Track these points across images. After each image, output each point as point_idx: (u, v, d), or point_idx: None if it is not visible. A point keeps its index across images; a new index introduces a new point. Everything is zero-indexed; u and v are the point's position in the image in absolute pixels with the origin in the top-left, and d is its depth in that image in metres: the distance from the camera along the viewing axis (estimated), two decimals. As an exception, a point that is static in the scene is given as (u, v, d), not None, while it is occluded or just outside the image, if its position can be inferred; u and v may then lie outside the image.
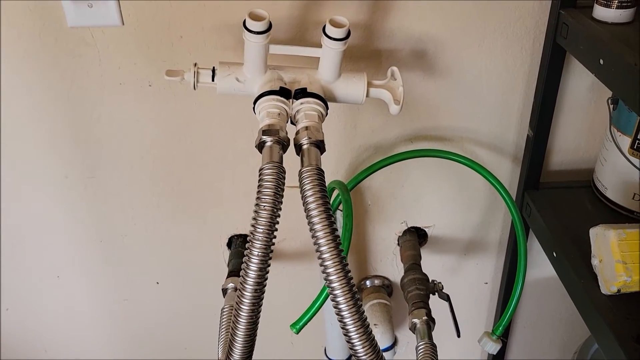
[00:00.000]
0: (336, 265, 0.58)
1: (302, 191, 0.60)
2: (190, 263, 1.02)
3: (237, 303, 0.60)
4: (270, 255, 0.60)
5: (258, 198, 0.60)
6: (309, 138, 0.64)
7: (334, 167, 0.91)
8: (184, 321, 1.09)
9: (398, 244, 1.00)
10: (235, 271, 0.93)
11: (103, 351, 1.13)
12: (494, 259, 1.04)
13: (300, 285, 1.04)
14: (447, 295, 0.86)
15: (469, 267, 1.05)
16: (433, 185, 0.95)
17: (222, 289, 0.91)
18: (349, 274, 0.59)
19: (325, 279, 0.59)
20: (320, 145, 0.65)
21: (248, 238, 0.60)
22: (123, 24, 0.78)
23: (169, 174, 0.91)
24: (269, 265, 0.60)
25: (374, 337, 0.59)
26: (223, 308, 0.87)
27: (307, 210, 0.59)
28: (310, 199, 0.59)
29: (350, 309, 0.58)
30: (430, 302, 0.88)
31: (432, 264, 1.03)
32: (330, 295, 0.59)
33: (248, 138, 0.88)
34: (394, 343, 0.98)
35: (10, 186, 0.91)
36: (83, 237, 0.97)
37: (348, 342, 0.59)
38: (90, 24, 0.78)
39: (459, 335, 0.82)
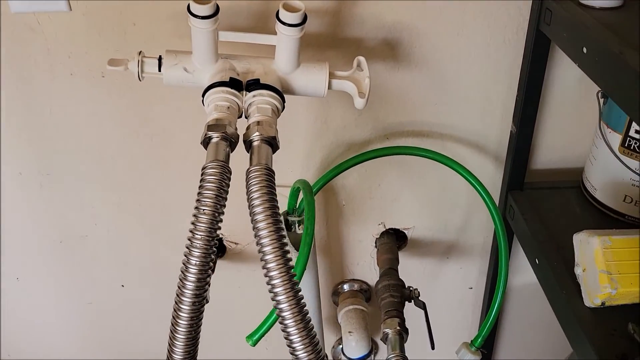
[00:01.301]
0: (281, 272, 0.52)
1: (248, 192, 0.54)
2: (155, 264, 0.96)
3: (175, 311, 0.55)
4: (212, 262, 0.55)
5: (198, 200, 0.54)
6: (260, 134, 0.58)
7: (303, 166, 0.85)
8: (153, 325, 1.04)
9: (375, 247, 0.94)
10: (199, 275, 0.87)
11: (70, 355, 1.08)
12: (478, 263, 0.98)
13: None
14: (423, 303, 0.81)
15: (452, 271, 0.99)
16: (412, 184, 0.89)
17: (184, 294, 0.85)
18: (297, 288, 0.53)
19: (271, 291, 0.53)
20: (272, 143, 0.59)
21: (186, 244, 0.54)
22: (70, 9, 0.72)
23: (130, 170, 0.86)
24: (210, 273, 0.55)
25: (325, 356, 0.54)
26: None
27: (252, 213, 0.53)
28: (256, 202, 0.53)
29: (298, 327, 0.52)
30: (406, 309, 0.82)
31: (412, 268, 0.97)
32: (278, 316, 0.53)
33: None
34: (371, 351, 0.93)
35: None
36: (41, 237, 0.92)
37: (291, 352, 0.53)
38: (35, 9, 0.71)
39: (433, 347, 0.76)
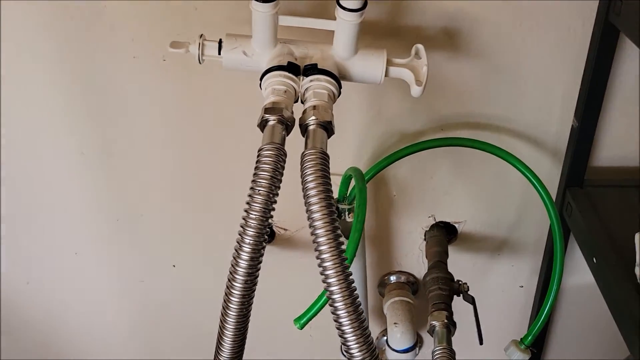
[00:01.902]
0: (333, 256, 0.52)
1: (303, 176, 0.55)
2: (207, 247, 0.98)
3: (226, 295, 0.56)
4: (264, 243, 0.55)
5: (253, 181, 0.55)
6: (316, 118, 0.58)
7: (355, 155, 0.85)
8: (200, 307, 1.06)
9: (424, 239, 0.93)
10: (248, 258, 0.89)
11: (118, 330, 1.11)
12: (531, 261, 0.95)
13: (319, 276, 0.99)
14: (472, 298, 0.79)
15: (503, 269, 0.97)
16: (465, 177, 0.87)
17: (233, 276, 0.87)
18: (349, 275, 0.53)
19: (322, 273, 0.53)
20: (328, 127, 0.59)
21: (241, 223, 0.55)
22: (137, -6, 0.74)
23: (186, 154, 0.88)
24: (262, 255, 0.55)
25: (375, 348, 0.53)
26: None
27: (306, 197, 0.54)
28: (311, 185, 0.54)
29: (348, 311, 0.53)
30: (454, 304, 0.81)
31: (461, 263, 0.95)
32: (329, 299, 0.53)
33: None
34: (416, 344, 0.92)
35: (28, 161, 0.90)
36: (100, 215, 0.96)
37: (343, 344, 0.53)
38: (103, -7, 0.74)
39: (481, 343, 0.75)
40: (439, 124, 0.82)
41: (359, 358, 0.53)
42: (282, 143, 0.57)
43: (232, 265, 0.55)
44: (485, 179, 0.87)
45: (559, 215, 0.77)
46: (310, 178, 0.54)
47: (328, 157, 0.56)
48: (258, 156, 0.56)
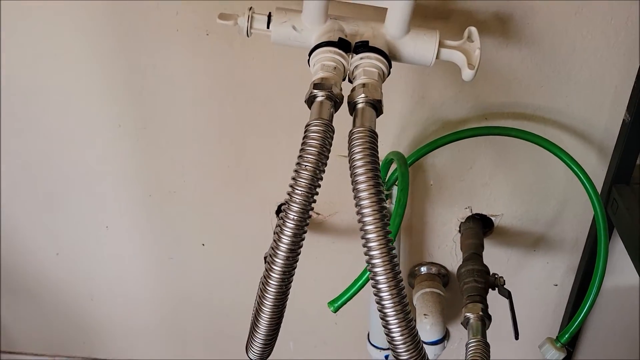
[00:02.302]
0: (380, 240, 0.51)
1: (350, 154, 0.53)
2: (237, 227, 0.98)
3: (265, 274, 0.55)
4: (307, 223, 0.54)
5: (300, 157, 0.54)
6: (366, 96, 0.57)
7: (396, 140, 0.83)
8: (227, 287, 1.06)
9: (459, 231, 0.91)
10: (280, 240, 0.88)
11: (146, 304, 1.12)
12: (567, 259, 0.93)
13: (350, 263, 0.98)
14: (509, 292, 0.77)
15: (538, 265, 0.94)
16: (506, 169, 0.85)
17: (264, 257, 0.86)
18: (395, 258, 0.52)
19: (367, 254, 0.52)
20: (377, 106, 0.57)
21: (285, 198, 0.54)
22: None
23: (221, 132, 0.87)
24: (304, 235, 0.54)
25: (417, 333, 0.52)
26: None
27: (353, 176, 0.52)
28: (359, 163, 0.52)
29: (393, 298, 0.51)
30: (488, 297, 0.79)
31: (496, 257, 0.93)
32: (372, 281, 0.52)
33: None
34: (444, 337, 0.90)
35: (64, 133, 0.90)
36: (132, 189, 0.95)
37: (387, 334, 0.52)
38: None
39: (517, 337, 0.73)
40: (484, 112, 0.80)
41: (402, 345, 0.51)
42: (330, 120, 0.56)
43: (272, 247, 0.54)
44: (527, 171, 0.85)
45: (604, 211, 0.75)
46: (358, 157, 0.52)
47: (377, 136, 0.55)
48: (305, 132, 0.55)
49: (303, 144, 0.54)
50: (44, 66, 0.83)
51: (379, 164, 0.53)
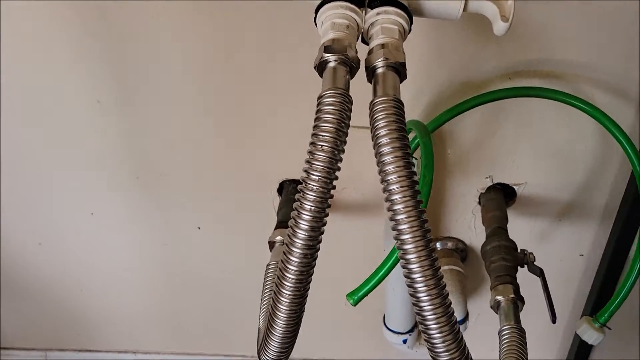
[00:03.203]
0: (413, 228, 0.43)
1: (374, 128, 0.45)
2: (235, 209, 0.90)
3: (283, 263, 0.47)
4: (328, 206, 0.46)
5: (315, 135, 0.45)
6: (386, 59, 0.48)
7: (409, 106, 0.75)
8: (226, 273, 0.98)
9: (479, 203, 0.84)
10: (285, 222, 0.80)
11: (141, 293, 1.04)
12: (595, 228, 0.86)
13: (361, 242, 0.90)
14: (540, 270, 0.70)
15: (563, 236, 0.88)
16: (531, 133, 0.77)
17: (269, 242, 0.78)
18: (430, 241, 0.44)
19: (397, 238, 0.44)
20: (400, 70, 0.49)
21: (300, 186, 0.45)
22: None
23: (215, 104, 0.78)
24: (325, 219, 0.46)
25: (459, 330, 0.45)
26: (268, 264, 0.74)
27: (379, 154, 0.44)
28: (385, 140, 0.44)
29: (429, 287, 0.44)
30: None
31: (517, 229, 0.85)
32: (404, 270, 0.44)
33: (311, 63, 0.72)
34: (466, 317, 0.84)
35: (40, 112, 0.80)
36: (118, 172, 0.87)
37: (421, 323, 0.45)
38: None
39: (554, 321, 0.66)
40: (507, 72, 0.72)
41: (441, 345, 0.44)
42: (347, 89, 0.47)
43: (288, 235, 0.46)
44: (554, 135, 0.77)
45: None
46: (383, 132, 0.44)
47: (402, 104, 0.46)
48: (318, 105, 0.46)
49: (317, 119, 0.45)
50: (13, 43, 0.73)
51: (407, 140, 0.45)
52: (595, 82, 0.71)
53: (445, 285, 0.44)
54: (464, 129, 0.77)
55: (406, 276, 0.45)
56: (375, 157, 0.45)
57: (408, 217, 0.43)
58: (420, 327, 0.45)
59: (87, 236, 0.95)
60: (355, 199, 0.87)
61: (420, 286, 0.44)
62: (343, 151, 0.46)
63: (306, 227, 0.45)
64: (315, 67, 0.49)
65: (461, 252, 0.89)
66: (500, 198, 0.82)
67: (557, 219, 0.86)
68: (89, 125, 0.81)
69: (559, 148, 0.78)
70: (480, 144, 0.78)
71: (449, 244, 0.89)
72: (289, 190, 0.85)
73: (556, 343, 1.04)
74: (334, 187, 0.45)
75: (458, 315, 0.82)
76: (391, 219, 0.44)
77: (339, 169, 0.45)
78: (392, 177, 0.43)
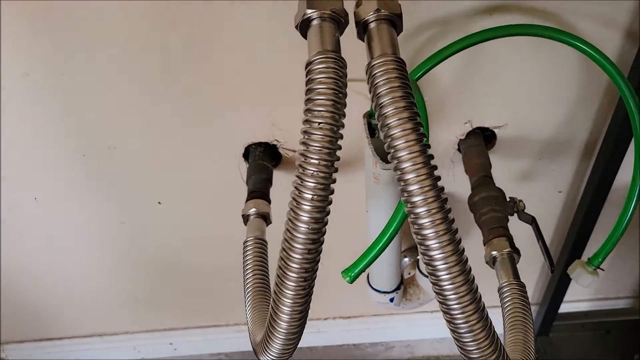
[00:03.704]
0: (427, 197, 0.38)
1: (377, 97, 0.38)
2: (198, 178, 0.82)
3: (283, 261, 0.40)
4: (331, 193, 0.40)
5: (308, 110, 0.38)
6: (379, 10, 0.41)
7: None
8: (194, 248, 0.92)
9: (459, 150, 0.79)
10: (257, 191, 0.73)
11: (102, 276, 0.97)
12: (575, 164, 0.84)
13: (345, 203, 0.84)
14: (532, 217, 0.67)
15: (542, 174, 0.85)
16: (512, 72, 0.72)
17: (243, 215, 0.71)
18: (452, 223, 0.39)
19: (411, 210, 0.38)
20: (396, 22, 0.42)
21: (297, 172, 0.39)
22: None
23: (165, 63, 0.68)
24: (329, 208, 0.40)
25: (489, 320, 0.40)
26: (246, 241, 0.67)
27: (386, 128, 0.38)
28: (390, 110, 0.37)
29: (452, 271, 0.39)
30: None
31: (496, 171, 0.82)
32: (425, 257, 0.39)
33: (271, 10, 0.64)
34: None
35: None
36: (59, 150, 0.77)
37: (449, 322, 0.40)
38: None
39: (552, 270, 0.64)
40: (487, 6, 0.65)
41: (472, 343, 0.40)
42: (338, 49, 0.40)
43: (287, 230, 0.40)
44: (535, 71, 0.72)
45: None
46: (387, 100, 0.38)
47: (405, 64, 0.40)
48: (308, 73, 0.39)
49: (309, 90, 0.38)
50: None
51: (415, 106, 0.39)
52: (580, 12, 0.66)
53: (470, 270, 0.39)
54: (441, 74, 0.71)
55: (427, 259, 0.39)
56: (380, 129, 0.39)
57: (421, 188, 0.37)
58: (445, 316, 0.40)
59: (34, 223, 0.86)
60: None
61: (444, 274, 0.38)
62: (343, 125, 0.39)
63: (307, 218, 0.39)
64: (296, 27, 0.41)
65: (441, 200, 0.86)
66: (481, 143, 0.77)
67: (537, 158, 0.83)
68: (18, 101, 0.70)
69: (540, 85, 0.74)
70: (458, 88, 0.73)
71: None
72: (256, 154, 0.78)
73: (533, 282, 1.04)
74: (336, 170, 0.39)
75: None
76: (402, 190, 0.38)
77: (340, 147, 0.39)
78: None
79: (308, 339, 1.01)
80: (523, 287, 0.61)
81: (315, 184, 0.38)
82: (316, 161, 0.38)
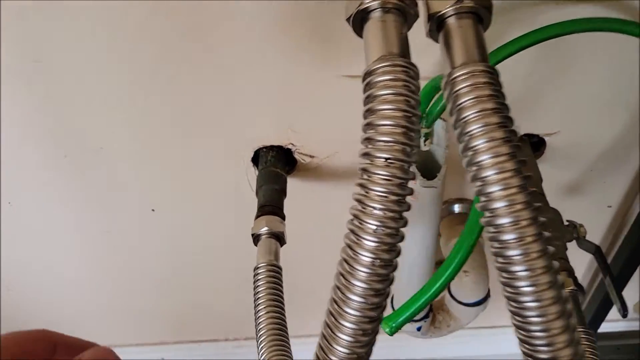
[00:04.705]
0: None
1: (460, 121, 0.27)
2: (197, 185, 0.71)
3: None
4: (401, 240, 0.29)
5: (369, 140, 0.28)
6: (460, 1, 0.30)
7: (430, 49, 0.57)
8: (190, 261, 0.81)
9: (502, 160, 0.68)
10: (269, 205, 0.62)
11: (85, 289, 0.86)
12: (630, 176, 0.74)
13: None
14: (596, 247, 0.57)
15: (592, 186, 0.75)
16: (574, 74, 0.61)
17: (253, 235, 0.60)
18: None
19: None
20: (484, 17, 0.31)
21: (348, 226, 0.28)
22: None
23: (162, 54, 0.57)
24: (391, 282, 0.29)
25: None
26: (257, 267, 0.56)
27: (477, 168, 0.27)
28: (478, 131, 0.27)
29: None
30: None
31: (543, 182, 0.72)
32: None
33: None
34: (488, 295, 0.71)
35: None
36: (35, 151, 0.65)
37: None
38: None
39: (624, 315, 0.54)
40: (555, -6, 0.54)
41: None
42: (407, 52, 0.29)
43: (334, 300, 0.29)
44: (599, 74, 0.61)
45: None
46: (477, 129, 0.27)
47: (498, 75, 0.29)
48: (367, 86, 0.28)
49: (369, 112, 0.27)
50: None
51: (511, 121, 0.28)
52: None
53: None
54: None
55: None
56: (466, 166, 0.28)
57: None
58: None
59: (7, 230, 0.75)
60: (348, 164, 0.69)
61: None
62: (415, 162, 0.28)
63: (362, 291, 0.28)
64: (348, 20, 0.30)
65: (476, 215, 0.75)
66: (530, 153, 0.67)
67: (589, 170, 0.72)
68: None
69: (602, 90, 0.63)
70: (509, 89, 0.62)
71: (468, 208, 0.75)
72: (267, 159, 0.66)
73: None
74: (405, 224, 0.28)
75: (480, 293, 0.69)
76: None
77: (411, 192, 0.28)
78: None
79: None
80: (592, 335, 0.51)
81: (377, 244, 0.27)
82: (380, 212, 0.27)
